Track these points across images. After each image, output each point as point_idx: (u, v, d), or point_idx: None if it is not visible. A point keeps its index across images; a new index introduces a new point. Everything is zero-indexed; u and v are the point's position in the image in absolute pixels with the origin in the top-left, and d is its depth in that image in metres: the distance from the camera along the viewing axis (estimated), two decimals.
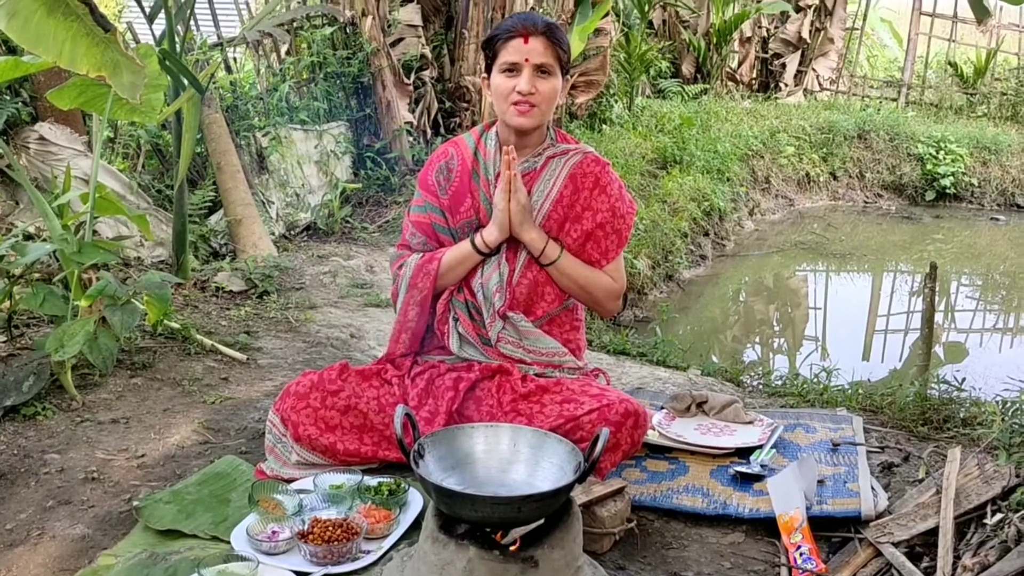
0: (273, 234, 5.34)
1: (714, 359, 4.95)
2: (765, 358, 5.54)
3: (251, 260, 4.66)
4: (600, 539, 2.25)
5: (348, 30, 6.37)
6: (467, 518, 1.87)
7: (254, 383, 3.41)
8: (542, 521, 1.90)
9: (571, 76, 2.62)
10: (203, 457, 2.78)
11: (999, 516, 2.18)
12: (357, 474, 2.41)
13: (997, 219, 9.00)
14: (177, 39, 4.24)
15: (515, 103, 2.49)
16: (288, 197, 5.72)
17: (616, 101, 8.36)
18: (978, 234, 8.70)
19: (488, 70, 2.57)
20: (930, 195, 9.40)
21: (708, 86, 10.97)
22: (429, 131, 6.69)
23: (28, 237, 4.04)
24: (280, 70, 6.17)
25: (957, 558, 2.11)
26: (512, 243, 2.60)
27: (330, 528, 2.15)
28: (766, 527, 2.39)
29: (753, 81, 12.07)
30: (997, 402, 2.96)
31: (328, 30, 6.25)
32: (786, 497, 2.37)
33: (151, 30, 4.42)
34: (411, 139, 6.47)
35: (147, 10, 4.34)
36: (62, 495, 2.51)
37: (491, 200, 2.59)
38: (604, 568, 2.08)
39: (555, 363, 2.60)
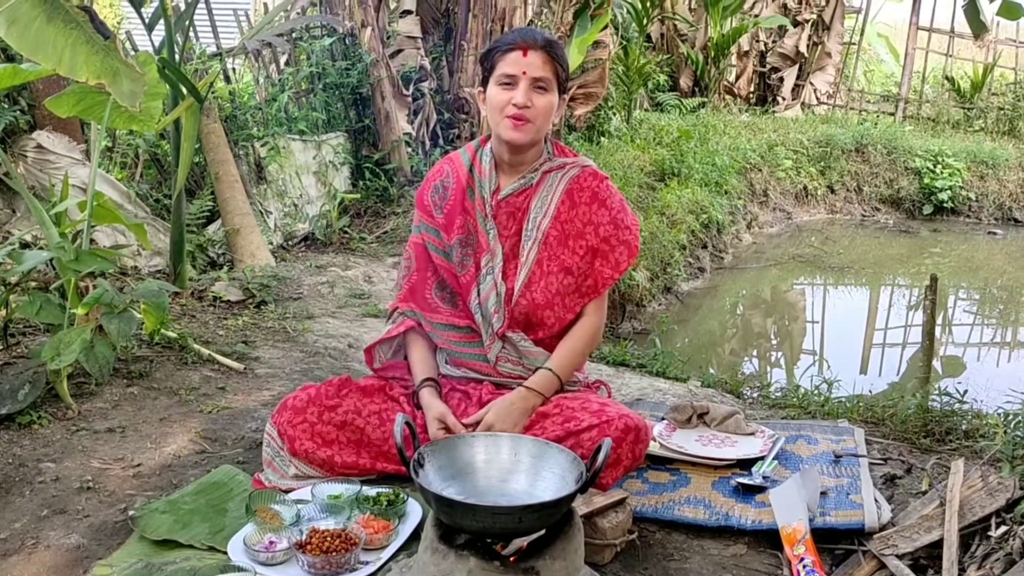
0: (271, 244, 5.33)
1: (712, 371, 4.93)
2: (763, 371, 5.52)
3: (249, 270, 4.65)
4: (601, 550, 2.22)
5: (347, 41, 6.37)
6: (467, 528, 1.85)
7: (251, 393, 3.39)
8: (543, 532, 1.88)
9: (568, 93, 2.58)
10: (200, 467, 2.75)
11: (1003, 528, 2.17)
12: (355, 484, 2.39)
13: (995, 233, 9.01)
14: (176, 48, 4.24)
15: (510, 116, 2.44)
16: (286, 207, 5.71)
17: (614, 114, 8.37)
18: (975, 248, 8.71)
19: (485, 83, 2.52)
20: (928, 209, 9.42)
21: (706, 99, 11.00)
22: (428, 142, 6.69)
23: (25, 245, 4.02)
24: (279, 80, 6.17)
25: (962, 570, 2.09)
26: (510, 260, 2.56)
27: (328, 539, 2.12)
28: (768, 539, 2.37)
29: (751, 95, 12.10)
30: (999, 414, 2.94)
31: (327, 41, 6.25)
32: (789, 509, 2.36)
33: (150, 39, 4.42)
34: (410, 150, 6.47)
35: (146, 19, 4.33)
36: (57, 504, 2.48)
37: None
38: None
39: None
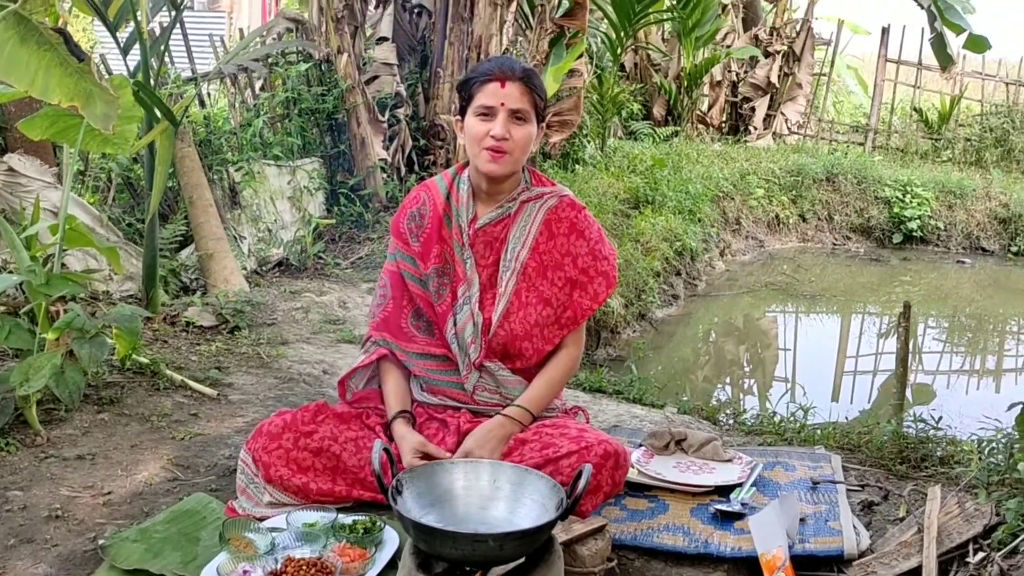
0: (245, 269, 5.28)
1: (686, 398, 4.94)
2: (736, 398, 5.54)
3: (222, 295, 4.60)
4: None
5: (323, 67, 6.37)
6: (447, 556, 1.83)
7: (224, 419, 3.34)
8: (523, 560, 1.87)
9: (545, 122, 2.58)
10: (172, 494, 2.71)
11: (981, 555, 2.18)
12: (331, 512, 2.36)
13: (963, 262, 9.13)
14: (151, 72, 4.21)
15: (488, 148, 2.43)
16: (260, 232, 5.67)
17: (589, 142, 8.42)
18: (945, 277, 8.81)
19: (463, 112, 2.50)
20: (897, 238, 9.53)
21: (679, 128, 11.10)
22: (403, 168, 6.69)
23: None
24: (255, 105, 6.15)
25: None
26: (487, 290, 2.55)
27: (304, 567, 2.09)
28: (748, 566, 2.36)
29: (723, 124, 12.23)
30: (973, 441, 2.97)
31: (303, 66, 6.25)
32: (768, 536, 2.35)
33: (125, 63, 4.39)
34: (385, 176, 6.46)
35: (121, 43, 4.31)
36: (24, 533, 2.43)
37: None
38: None
39: None
